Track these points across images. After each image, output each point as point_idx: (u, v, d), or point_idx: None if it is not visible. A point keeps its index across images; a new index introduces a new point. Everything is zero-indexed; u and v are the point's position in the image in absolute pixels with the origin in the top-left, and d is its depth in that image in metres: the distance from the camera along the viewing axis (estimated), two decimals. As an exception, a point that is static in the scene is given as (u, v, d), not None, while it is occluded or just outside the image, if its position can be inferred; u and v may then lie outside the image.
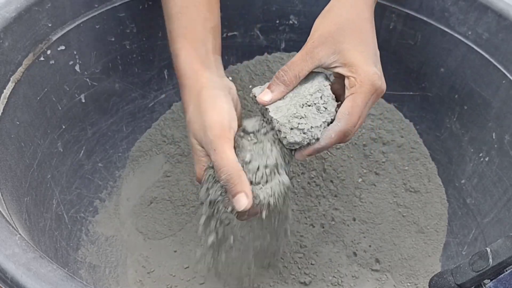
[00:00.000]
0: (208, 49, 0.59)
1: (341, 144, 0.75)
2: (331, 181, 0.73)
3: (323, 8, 0.59)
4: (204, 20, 0.60)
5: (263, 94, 0.54)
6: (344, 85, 0.54)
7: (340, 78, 0.56)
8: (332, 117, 0.54)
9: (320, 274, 0.71)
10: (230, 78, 0.76)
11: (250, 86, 0.75)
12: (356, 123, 0.54)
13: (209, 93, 0.55)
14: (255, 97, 0.55)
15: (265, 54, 0.77)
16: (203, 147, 0.54)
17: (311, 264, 0.71)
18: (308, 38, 0.56)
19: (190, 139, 0.55)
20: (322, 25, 0.56)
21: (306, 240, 0.72)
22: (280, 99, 0.55)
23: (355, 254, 0.72)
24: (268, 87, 0.55)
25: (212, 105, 0.54)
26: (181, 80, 0.58)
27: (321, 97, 0.54)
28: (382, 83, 0.55)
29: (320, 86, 0.55)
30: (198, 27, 0.59)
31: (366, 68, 0.54)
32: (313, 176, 0.73)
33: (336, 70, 0.55)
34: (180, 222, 0.74)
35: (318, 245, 0.72)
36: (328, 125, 0.54)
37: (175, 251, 0.73)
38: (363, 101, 0.53)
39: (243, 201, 0.51)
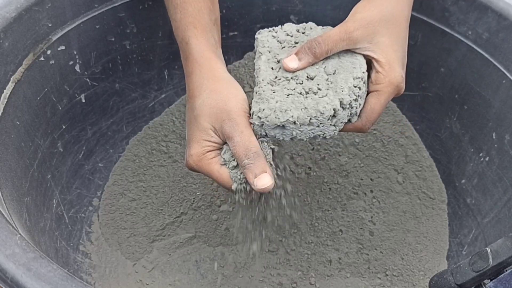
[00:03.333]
0: (216, 40, 0.59)
1: (341, 145, 0.75)
2: (331, 182, 0.73)
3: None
4: (209, 11, 0.59)
5: (290, 60, 0.54)
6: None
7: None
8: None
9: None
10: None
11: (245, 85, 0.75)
12: (375, 119, 0.55)
13: (230, 81, 0.55)
14: (257, 40, 0.55)
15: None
16: (216, 133, 0.53)
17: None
18: (348, 17, 0.56)
19: (202, 122, 0.54)
20: (365, 9, 0.56)
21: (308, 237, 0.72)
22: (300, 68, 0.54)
23: (347, 255, 0.72)
24: (296, 54, 0.54)
25: (234, 93, 0.54)
26: (191, 67, 0.57)
27: (359, 88, 0.53)
28: (403, 87, 0.56)
29: (362, 75, 0.54)
30: (205, 17, 0.59)
31: (396, 69, 0.55)
32: (311, 179, 0.73)
33: (367, 54, 0.55)
34: (180, 220, 0.75)
35: (320, 247, 0.72)
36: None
37: (175, 250, 0.73)
38: (386, 101, 0.55)
39: (267, 179, 0.51)
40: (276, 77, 0.54)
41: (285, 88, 0.53)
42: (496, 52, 0.71)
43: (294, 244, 0.72)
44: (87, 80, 0.73)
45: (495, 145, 0.72)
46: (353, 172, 0.74)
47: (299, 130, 0.52)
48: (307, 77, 0.53)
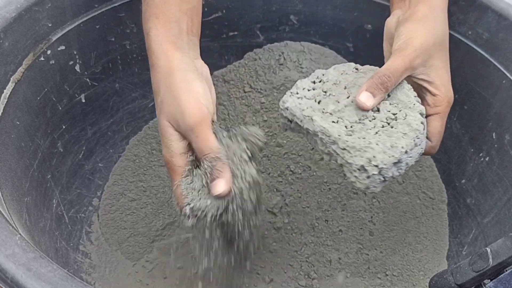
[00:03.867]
0: (182, 30, 0.57)
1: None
2: (331, 182, 0.73)
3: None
4: (180, 2, 0.57)
5: (367, 98, 0.52)
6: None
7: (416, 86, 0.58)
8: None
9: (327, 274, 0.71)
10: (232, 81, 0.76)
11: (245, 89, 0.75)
12: (441, 138, 0.58)
13: (182, 76, 0.54)
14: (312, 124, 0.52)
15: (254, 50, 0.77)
16: (177, 131, 0.53)
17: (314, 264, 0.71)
18: (403, 42, 0.56)
19: (161, 121, 0.54)
20: (419, 33, 0.56)
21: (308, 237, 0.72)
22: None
23: (347, 255, 0.72)
24: (369, 90, 0.52)
25: (187, 90, 0.53)
26: (150, 60, 0.56)
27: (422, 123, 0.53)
28: None
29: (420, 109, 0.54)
30: (172, 8, 0.57)
31: (450, 89, 0.58)
32: (311, 179, 0.73)
33: (420, 82, 0.57)
34: (180, 220, 0.75)
35: (320, 248, 0.72)
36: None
37: (175, 250, 0.73)
38: (446, 119, 0.58)
39: (221, 186, 0.50)
40: (346, 126, 0.52)
41: (367, 130, 0.51)
42: (496, 52, 0.71)
43: (294, 244, 0.72)
44: (87, 80, 0.73)
45: (495, 145, 0.72)
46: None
47: (410, 157, 0.51)
48: (374, 110, 0.53)
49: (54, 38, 0.66)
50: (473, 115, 0.75)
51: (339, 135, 0.51)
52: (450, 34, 0.74)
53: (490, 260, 0.45)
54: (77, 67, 0.71)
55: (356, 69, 0.57)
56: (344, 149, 0.50)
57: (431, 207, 0.76)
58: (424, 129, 0.53)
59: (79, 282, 0.41)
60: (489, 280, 0.46)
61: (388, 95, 0.54)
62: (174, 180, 0.54)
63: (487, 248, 0.46)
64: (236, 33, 0.83)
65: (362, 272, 0.72)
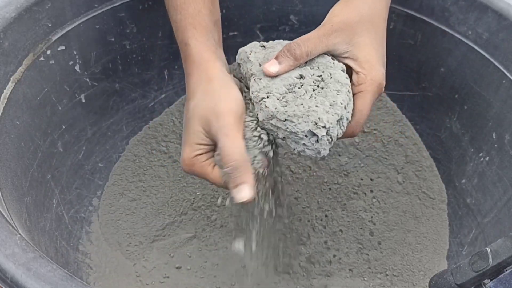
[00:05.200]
0: (216, 41, 0.59)
1: (341, 145, 0.75)
2: (331, 182, 0.73)
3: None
4: (209, 12, 0.59)
5: (270, 64, 0.52)
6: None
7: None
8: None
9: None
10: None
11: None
12: (364, 120, 0.54)
13: (223, 81, 0.54)
14: (246, 60, 0.53)
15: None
16: (207, 135, 0.52)
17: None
18: (325, 20, 0.55)
19: (193, 125, 0.53)
20: (342, 12, 0.55)
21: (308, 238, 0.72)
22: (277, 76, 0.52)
23: (347, 255, 0.72)
24: (276, 58, 0.53)
25: (227, 93, 0.53)
26: (190, 69, 0.57)
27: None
28: (384, 84, 0.55)
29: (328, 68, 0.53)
30: (206, 18, 0.58)
31: (377, 67, 0.54)
32: (311, 179, 0.73)
33: (346, 61, 0.55)
34: (180, 220, 0.75)
35: (321, 249, 0.72)
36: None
37: (175, 250, 0.73)
38: (372, 100, 0.54)
39: (245, 192, 0.49)
40: (278, 99, 0.51)
41: (300, 96, 0.51)
42: (496, 52, 0.71)
43: (294, 244, 0.72)
44: (87, 80, 0.73)
45: (495, 145, 0.72)
46: (353, 172, 0.74)
47: (347, 112, 0.52)
48: (298, 77, 0.53)
49: (54, 38, 0.66)
50: (473, 115, 0.75)
51: (275, 108, 0.50)
52: (450, 34, 0.74)
53: (490, 260, 0.45)
54: (77, 67, 0.71)
55: (263, 46, 0.57)
56: (285, 120, 0.50)
57: (431, 207, 0.76)
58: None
59: (79, 282, 0.41)
60: (489, 280, 0.46)
61: (305, 63, 0.54)
62: (208, 176, 0.53)
63: (487, 248, 0.46)
64: (236, 33, 0.83)
65: (362, 272, 0.72)
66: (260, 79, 0.53)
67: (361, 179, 0.74)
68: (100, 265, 0.71)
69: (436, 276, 0.50)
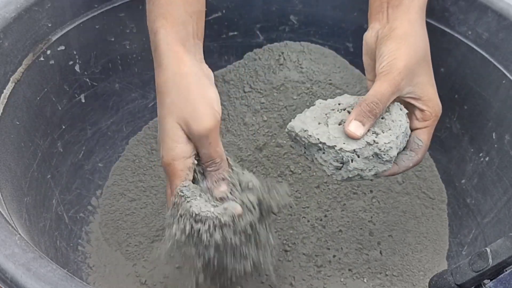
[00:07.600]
0: (188, 32, 0.57)
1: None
2: (331, 182, 0.73)
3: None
4: (184, 3, 0.57)
5: (356, 128, 0.53)
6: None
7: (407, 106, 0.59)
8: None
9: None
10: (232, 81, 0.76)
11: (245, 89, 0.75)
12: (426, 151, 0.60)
13: (197, 81, 0.54)
14: (304, 133, 0.54)
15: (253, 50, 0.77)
16: (185, 134, 0.53)
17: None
18: (387, 63, 0.56)
19: (169, 122, 0.53)
20: (401, 53, 0.56)
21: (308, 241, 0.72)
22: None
23: (347, 255, 0.72)
24: (358, 119, 0.53)
25: (202, 95, 0.53)
26: (159, 60, 0.56)
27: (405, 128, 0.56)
28: None
29: (402, 119, 0.56)
30: (179, 9, 0.57)
31: (438, 102, 0.59)
32: (311, 179, 0.73)
33: (408, 100, 0.58)
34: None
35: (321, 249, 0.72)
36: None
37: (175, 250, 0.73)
38: (432, 131, 0.59)
39: (224, 186, 0.54)
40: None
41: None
42: (496, 52, 0.71)
43: (294, 244, 0.72)
44: (87, 80, 0.73)
45: (495, 145, 0.72)
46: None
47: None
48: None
49: (53, 38, 0.66)
50: (473, 115, 0.75)
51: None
52: (450, 34, 0.74)
53: (490, 260, 0.45)
54: (77, 67, 0.71)
55: (339, 104, 0.57)
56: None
57: (431, 207, 0.76)
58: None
59: (78, 282, 0.41)
60: (489, 280, 0.46)
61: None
62: (173, 184, 0.54)
63: (487, 248, 0.46)
64: (236, 33, 0.83)
65: (362, 272, 0.71)
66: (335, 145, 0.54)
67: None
68: (100, 265, 0.71)
69: (436, 276, 0.50)
